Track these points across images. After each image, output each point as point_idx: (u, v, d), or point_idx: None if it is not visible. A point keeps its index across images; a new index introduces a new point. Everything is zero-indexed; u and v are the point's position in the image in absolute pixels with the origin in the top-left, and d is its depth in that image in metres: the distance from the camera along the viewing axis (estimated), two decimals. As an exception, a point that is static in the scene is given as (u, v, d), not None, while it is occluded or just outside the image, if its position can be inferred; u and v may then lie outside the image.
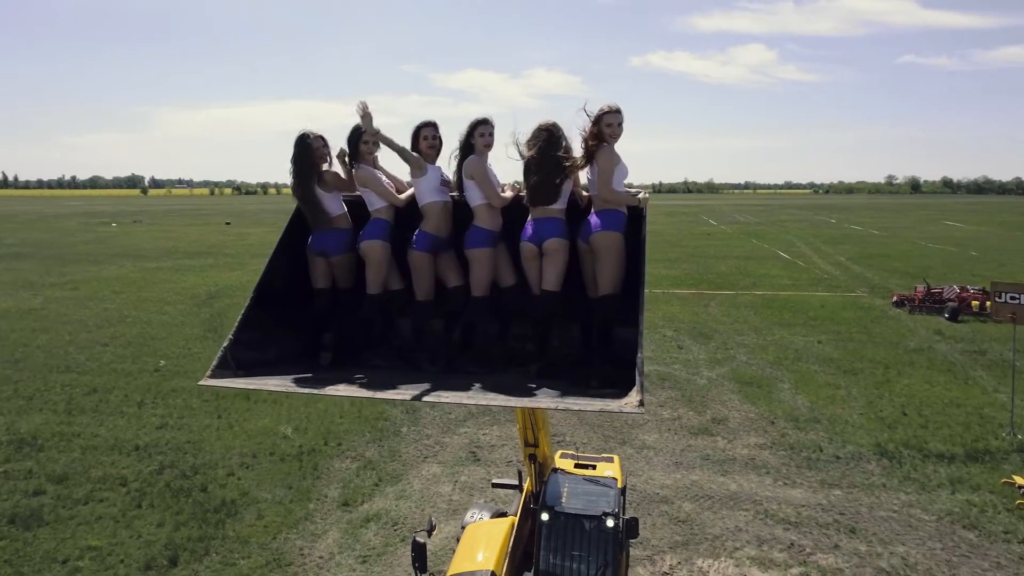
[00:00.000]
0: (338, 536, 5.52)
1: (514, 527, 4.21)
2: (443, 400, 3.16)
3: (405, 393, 3.11)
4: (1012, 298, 7.17)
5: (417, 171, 3.82)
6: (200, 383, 3.10)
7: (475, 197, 3.79)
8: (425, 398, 3.04)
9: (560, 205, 3.83)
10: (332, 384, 3.26)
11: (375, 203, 4.01)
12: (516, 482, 4.87)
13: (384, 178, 4.01)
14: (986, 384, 9.22)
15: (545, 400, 3.09)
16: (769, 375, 9.64)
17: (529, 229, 3.79)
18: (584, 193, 3.97)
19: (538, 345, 3.68)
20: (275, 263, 3.94)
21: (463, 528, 4.43)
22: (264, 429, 7.59)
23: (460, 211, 3.85)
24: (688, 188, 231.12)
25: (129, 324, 12.78)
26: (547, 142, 3.74)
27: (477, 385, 3.28)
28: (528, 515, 4.29)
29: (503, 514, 4.72)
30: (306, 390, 3.28)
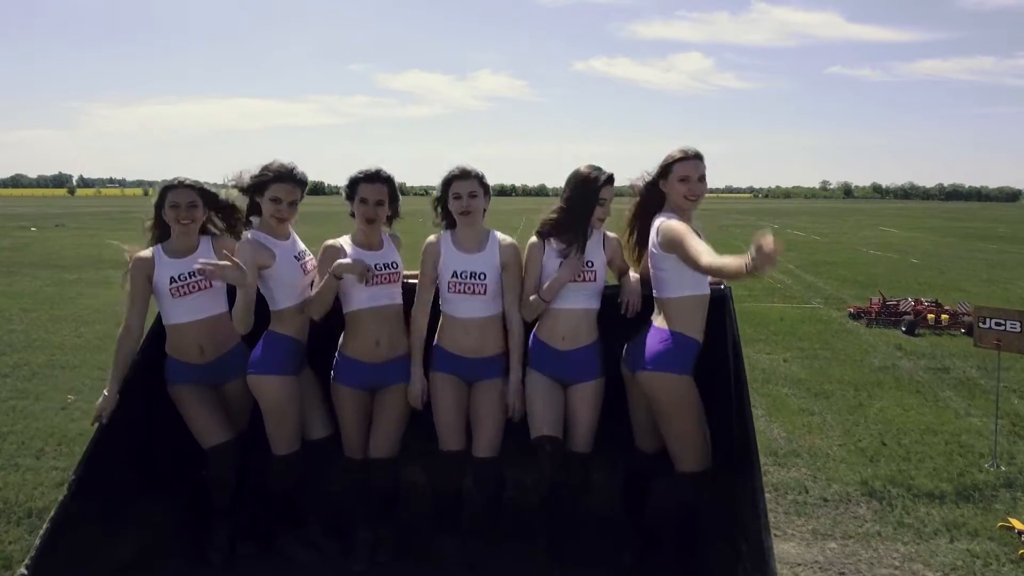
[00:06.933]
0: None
1: None
2: None
3: None
4: (997, 324, 6.85)
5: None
6: None
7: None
8: None
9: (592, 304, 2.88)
10: None
11: (279, 298, 3.17)
12: None
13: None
14: (957, 407, 8.99)
15: None
16: (740, 400, 9.17)
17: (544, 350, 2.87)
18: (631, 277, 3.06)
19: (546, 510, 2.90)
20: (124, 413, 3.03)
21: None
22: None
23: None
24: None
25: (37, 349, 11.42)
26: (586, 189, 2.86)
27: None
28: None
29: None
30: None
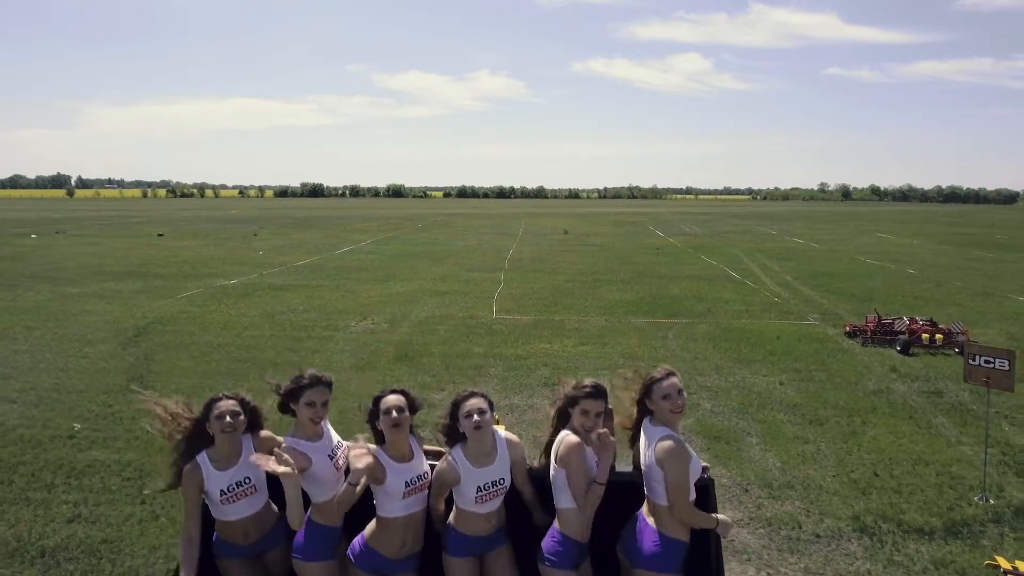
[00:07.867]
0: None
1: None
2: None
3: None
4: (987, 362, 7.01)
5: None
6: None
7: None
8: None
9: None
10: None
11: (317, 493, 3.41)
12: None
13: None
14: (949, 434, 9.15)
15: None
16: (736, 427, 9.35)
17: (553, 540, 3.11)
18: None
19: None
20: None
21: None
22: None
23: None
24: (632, 194, 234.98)
25: (43, 372, 11.53)
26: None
27: None
28: None
29: None
30: None
